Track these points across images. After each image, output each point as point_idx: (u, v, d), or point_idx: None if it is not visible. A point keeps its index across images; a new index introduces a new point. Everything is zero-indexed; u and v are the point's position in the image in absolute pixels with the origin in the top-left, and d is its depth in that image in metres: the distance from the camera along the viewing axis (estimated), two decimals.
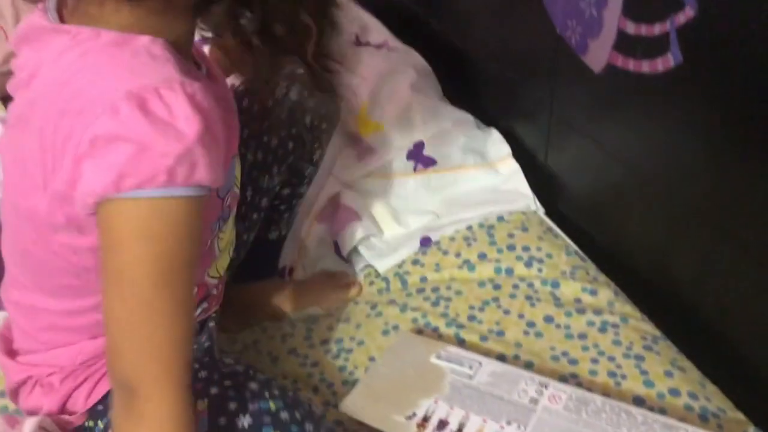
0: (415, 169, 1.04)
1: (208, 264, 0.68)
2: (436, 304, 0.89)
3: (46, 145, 0.54)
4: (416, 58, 1.18)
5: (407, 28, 1.29)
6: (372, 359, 0.83)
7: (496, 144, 1.07)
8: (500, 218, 0.98)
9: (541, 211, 1.01)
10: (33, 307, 0.64)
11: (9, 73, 0.61)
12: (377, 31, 1.24)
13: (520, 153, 1.07)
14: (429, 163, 1.04)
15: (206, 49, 0.74)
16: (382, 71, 1.10)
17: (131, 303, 0.52)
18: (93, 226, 0.54)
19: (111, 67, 0.52)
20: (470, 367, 0.73)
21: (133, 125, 0.49)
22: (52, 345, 0.64)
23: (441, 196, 1.02)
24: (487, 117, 1.14)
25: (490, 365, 0.74)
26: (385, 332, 0.87)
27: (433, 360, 0.75)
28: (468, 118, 1.10)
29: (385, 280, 0.95)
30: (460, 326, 0.85)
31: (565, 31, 0.90)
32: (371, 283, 0.96)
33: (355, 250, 0.98)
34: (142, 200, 0.50)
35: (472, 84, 1.19)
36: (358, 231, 0.97)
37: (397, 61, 1.15)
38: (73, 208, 0.53)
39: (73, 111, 0.52)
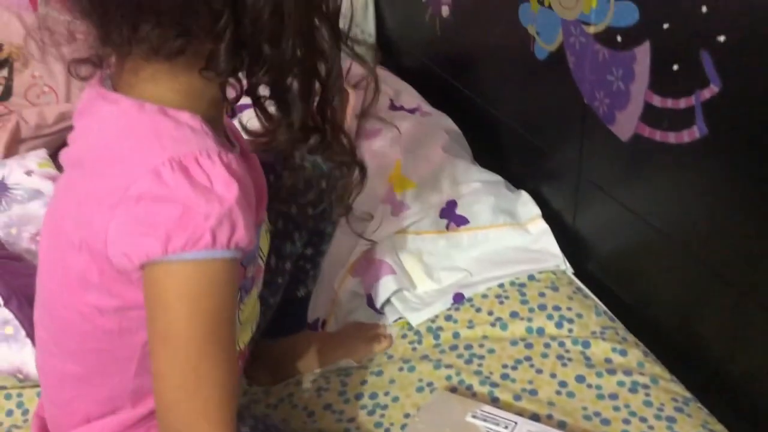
0: (447, 227, 1.08)
1: None
2: (469, 361, 0.91)
3: (82, 205, 0.57)
4: (447, 122, 1.23)
5: (439, 94, 1.34)
6: (407, 416, 0.85)
7: (526, 205, 1.10)
8: (531, 277, 1.01)
9: (570, 271, 1.04)
10: (62, 374, 0.66)
11: (60, 132, 0.65)
12: (410, 96, 1.30)
13: (549, 215, 1.11)
14: (461, 221, 1.08)
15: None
16: (415, 133, 1.16)
17: (180, 361, 0.54)
18: (122, 286, 0.57)
19: (153, 136, 0.55)
20: (506, 427, 0.75)
21: (177, 188, 0.53)
22: (80, 419, 0.66)
23: (473, 254, 1.05)
24: (515, 180, 1.18)
25: (526, 425, 0.75)
26: (420, 389, 0.89)
27: (469, 419, 0.77)
28: (498, 179, 1.15)
29: (418, 333, 0.97)
30: (494, 385, 0.87)
31: (593, 101, 0.94)
32: (404, 336, 0.98)
33: (388, 302, 1.01)
34: (189, 263, 0.53)
35: (502, 147, 1.23)
36: (392, 284, 1.00)
37: (430, 124, 1.20)
38: (109, 266, 0.56)
39: (114, 173, 0.55)
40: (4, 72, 1.37)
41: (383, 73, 1.42)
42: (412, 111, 1.25)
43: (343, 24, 1.55)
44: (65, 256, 0.60)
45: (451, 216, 1.08)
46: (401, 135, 1.15)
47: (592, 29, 0.90)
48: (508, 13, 1.06)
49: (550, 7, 0.97)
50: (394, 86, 1.34)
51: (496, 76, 1.19)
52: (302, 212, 0.84)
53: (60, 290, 0.62)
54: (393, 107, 1.25)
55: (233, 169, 0.55)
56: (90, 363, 0.64)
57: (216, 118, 0.61)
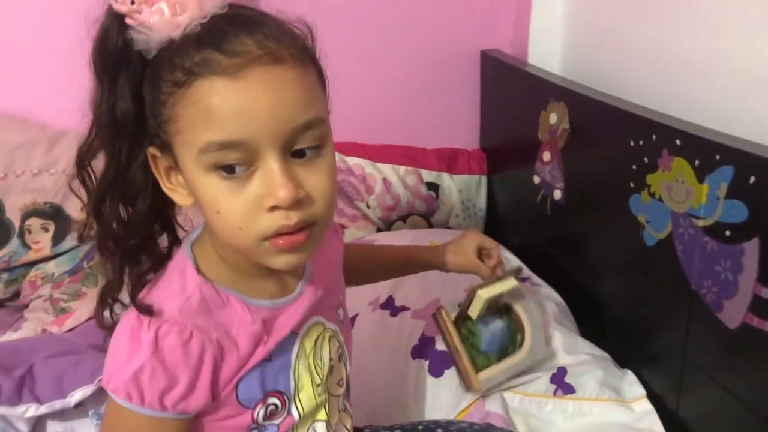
0: (555, 393, 1.11)
1: None
2: None
3: None
4: (555, 295, 1.30)
5: (544, 268, 1.42)
6: None
7: (632, 384, 1.13)
8: None
9: None
10: None
11: None
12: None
13: (650, 396, 1.11)
14: (568, 390, 1.10)
15: None
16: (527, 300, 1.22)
17: None
18: None
19: (162, 285, 0.67)
20: None
21: (125, 339, 0.63)
22: None
23: (576, 424, 1.07)
24: (617, 358, 1.21)
25: None
26: None
27: None
28: (605, 355, 1.18)
29: None
30: None
31: (701, 289, 0.99)
32: None
33: None
34: (117, 403, 0.64)
35: (605, 325, 1.27)
36: None
37: (540, 294, 1.27)
38: None
39: None
40: None
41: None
42: (523, 280, 1.33)
43: (459, 198, 1.71)
44: None
45: (560, 383, 1.11)
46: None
47: (701, 222, 0.97)
48: (620, 202, 1.15)
49: (660, 199, 1.06)
50: (503, 256, 1.43)
51: (604, 257, 1.26)
52: None
53: None
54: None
55: (164, 340, 0.63)
56: None
57: (245, 274, 0.69)
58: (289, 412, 0.72)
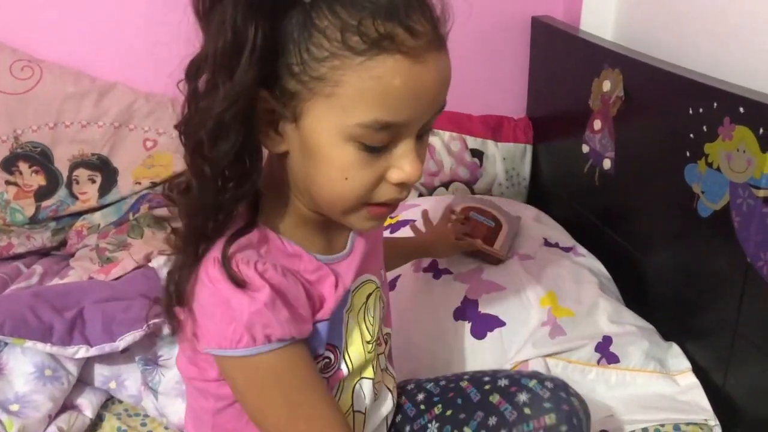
0: (598, 362, 1.09)
1: None
2: None
3: None
4: (600, 266, 1.28)
5: (589, 240, 1.39)
6: None
7: (677, 357, 1.11)
8: (676, 427, 1.00)
9: (718, 428, 1.01)
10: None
11: None
12: (564, 236, 1.37)
13: (696, 371, 1.10)
14: (612, 359, 1.09)
15: None
16: (572, 269, 1.20)
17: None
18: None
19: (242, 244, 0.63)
20: None
21: (218, 295, 0.60)
22: None
23: (618, 393, 1.06)
24: (662, 331, 1.18)
25: None
26: None
27: None
28: (650, 327, 1.16)
29: None
30: None
31: (757, 261, 0.97)
32: None
33: None
34: (244, 358, 0.60)
35: (650, 298, 1.25)
36: None
37: (585, 264, 1.25)
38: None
39: None
40: None
41: (538, 212, 1.50)
42: (567, 249, 1.31)
43: (503, 166, 1.67)
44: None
45: (605, 352, 1.10)
46: (556, 269, 1.21)
47: (762, 193, 0.94)
48: (674, 172, 1.12)
49: (718, 169, 1.03)
50: (547, 224, 1.41)
51: (654, 228, 1.23)
52: None
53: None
54: (548, 244, 1.31)
55: (267, 276, 0.60)
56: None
57: (304, 227, 0.68)
58: (339, 367, 0.72)
